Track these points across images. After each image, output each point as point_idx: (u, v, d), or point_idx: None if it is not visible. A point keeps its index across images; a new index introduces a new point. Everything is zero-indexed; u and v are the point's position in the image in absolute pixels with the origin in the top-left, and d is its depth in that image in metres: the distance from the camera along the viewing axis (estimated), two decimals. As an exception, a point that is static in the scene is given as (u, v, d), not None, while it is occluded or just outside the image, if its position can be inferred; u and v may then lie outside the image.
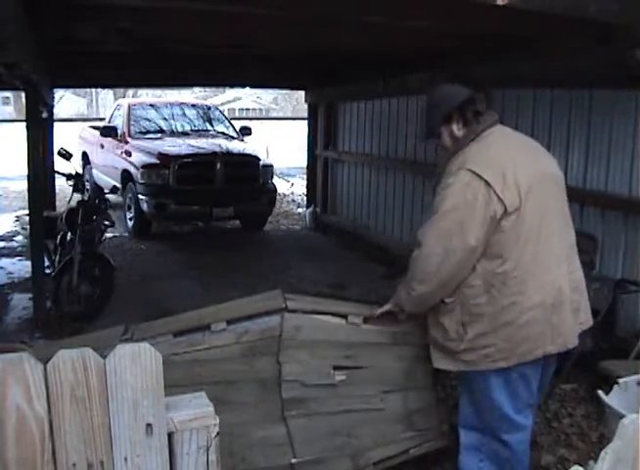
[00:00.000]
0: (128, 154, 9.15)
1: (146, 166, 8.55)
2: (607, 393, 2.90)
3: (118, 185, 8.81)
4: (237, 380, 2.70)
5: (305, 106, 10.91)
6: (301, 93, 11.45)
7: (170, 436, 1.46)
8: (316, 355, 2.77)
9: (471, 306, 2.55)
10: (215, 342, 2.66)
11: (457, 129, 2.69)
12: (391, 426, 2.91)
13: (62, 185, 8.22)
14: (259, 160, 9.22)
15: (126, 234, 8.99)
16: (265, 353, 2.71)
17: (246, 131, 10.43)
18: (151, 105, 10.82)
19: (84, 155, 11.94)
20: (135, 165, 8.75)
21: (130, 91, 30.99)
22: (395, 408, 2.91)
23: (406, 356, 2.88)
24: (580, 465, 2.37)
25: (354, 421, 2.85)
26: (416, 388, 2.92)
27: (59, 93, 25.96)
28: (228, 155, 8.98)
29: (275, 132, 18.06)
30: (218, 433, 1.49)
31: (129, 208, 9.01)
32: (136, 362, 1.39)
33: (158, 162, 8.57)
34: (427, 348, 2.80)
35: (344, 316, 2.82)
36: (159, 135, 9.69)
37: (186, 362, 2.60)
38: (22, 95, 6.67)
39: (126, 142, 9.45)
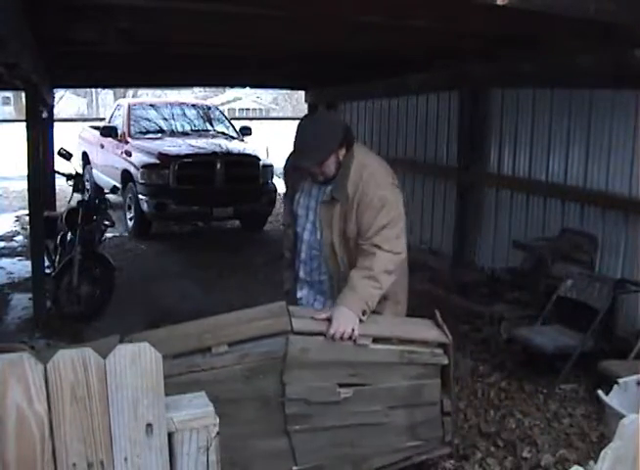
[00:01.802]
0: (128, 154, 9.15)
1: (146, 166, 8.54)
2: (607, 393, 2.89)
3: (118, 185, 8.80)
4: (238, 399, 2.62)
5: (305, 106, 10.90)
6: (301, 93, 11.44)
7: (170, 436, 1.46)
8: (322, 375, 2.70)
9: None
10: (216, 364, 2.58)
11: (341, 154, 2.95)
12: (395, 437, 2.87)
13: (62, 185, 8.20)
14: (259, 160, 9.21)
15: (126, 234, 8.98)
16: (268, 373, 2.64)
17: (246, 131, 10.43)
18: (151, 105, 10.81)
19: (84, 155, 11.92)
20: (135, 165, 8.74)
21: (130, 91, 31.02)
22: (400, 422, 2.87)
23: (413, 375, 2.84)
24: (580, 465, 2.37)
25: (358, 433, 2.81)
26: (422, 404, 2.88)
27: (59, 93, 25.98)
28: (228, 155, 8.98)
29: (275, 132, 18.05)
30: (218, 433, 1.49)
31: (129, 208, 9.01)
32: (136, 362, 1.39)
33: (158, 162, 8.56)
34: (434, 366, 2.84)
35: None
36: (159, 135, 9.67)
37: (185, 384, 2.47)
38: (23, 95, 6.67)
39: (126, 142, 9.44)
